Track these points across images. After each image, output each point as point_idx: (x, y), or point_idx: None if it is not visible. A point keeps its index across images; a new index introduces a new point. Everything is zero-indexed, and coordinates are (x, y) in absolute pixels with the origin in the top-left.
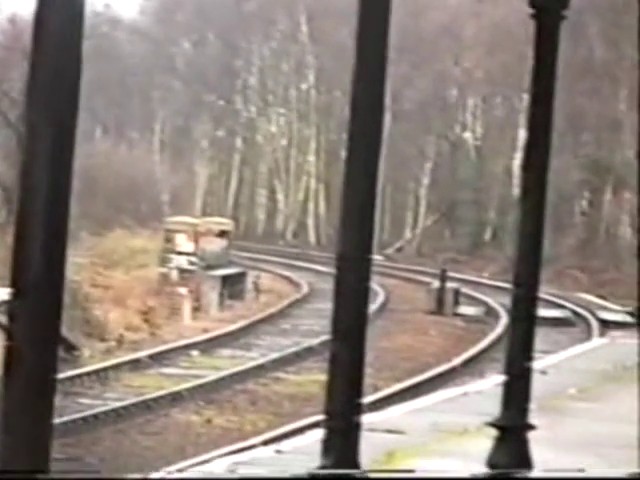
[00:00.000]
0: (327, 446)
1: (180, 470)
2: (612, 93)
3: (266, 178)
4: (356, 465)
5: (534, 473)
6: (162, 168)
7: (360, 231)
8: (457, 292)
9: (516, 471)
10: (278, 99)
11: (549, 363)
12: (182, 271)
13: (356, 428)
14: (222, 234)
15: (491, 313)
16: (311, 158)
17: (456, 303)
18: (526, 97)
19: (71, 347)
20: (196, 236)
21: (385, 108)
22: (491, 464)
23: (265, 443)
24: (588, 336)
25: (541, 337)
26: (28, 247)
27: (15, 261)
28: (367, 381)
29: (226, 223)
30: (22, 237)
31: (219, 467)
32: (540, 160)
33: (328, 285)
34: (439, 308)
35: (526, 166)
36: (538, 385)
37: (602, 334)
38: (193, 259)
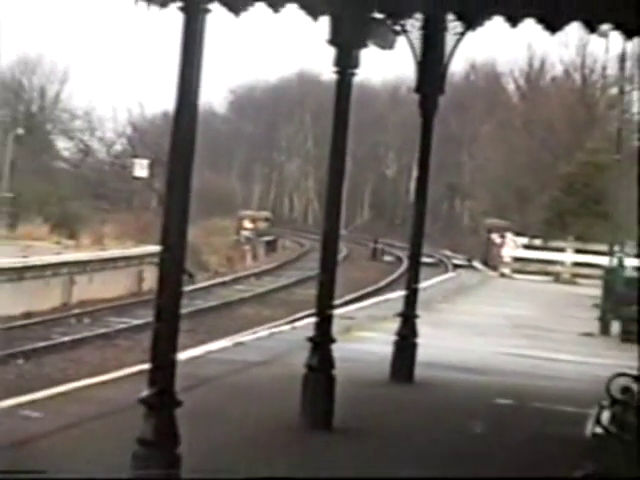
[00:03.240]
0: (317, 325)
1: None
2: (457, 151)
3: (289, 192)
4: (330, 335)
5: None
6: (237, 188)
7: (333, 218)
8: (383, 250)
9: None
10: (294, 153)
11: (426, 285)
12: (246, 238)
13: (330, 317)
14: (267, 220)
15: (400, 260)
16: (310, 183)
17: (382, 255)
18: (417, 153)
19: (191, 275)
20: (254, 220)
21: (346, 158)
22: (399, 334)
23: (287, 323)
24: (446, 271)
25: (423, 272)
26: (169, 225)
27: (163, 232)
28: (337, 293)
29: (268, 215)
30: (167, 221)
31: (263, 334)
32: (423, 185)
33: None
34: (373, 257)
35: (417, 189)
36: (421, 295)
37: (453, 271)
38: (252, 232)
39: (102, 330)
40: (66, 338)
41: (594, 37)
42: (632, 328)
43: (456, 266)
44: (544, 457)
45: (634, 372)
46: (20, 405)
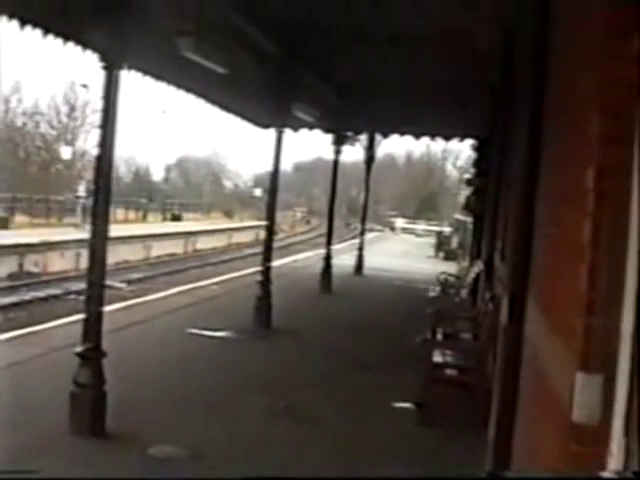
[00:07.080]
0: (325, 253)
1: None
2: (378, 186)
3: (314, 201)
4: (330, 256)
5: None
6: (294, 200)
7: (330, 212)
8: (350, 224)
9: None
10: (316, 187)
11: (367, 238)
12: (298, 219)
13: (330, 250)
14: (306, 212)
15: (356, 228)
16: (323, 199)
17: (350, 226)
18: (363, 186)
19: (276, 233)
20: (301, 212)
21: (337, 190)
22: (357, 256)
23: (313, 252)
24: (372, 232)
25: (366, 233)
26: (269, 213)
27: (267, 216)
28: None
29: (306, 209)
30: (268, 212)
31: (298, 258)
32: (366, 199)
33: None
34: (347, 227)
35: (364, 201)
36: (365, 241)
37: (376, 233)
38: (300, 216)
39: (241, 254)
40: (227, 257)
41: (433, 142)
42: (448, 255)
43: (377, 230)
44: (410, 304)
45: (449, 272)
46: (209, 284)
